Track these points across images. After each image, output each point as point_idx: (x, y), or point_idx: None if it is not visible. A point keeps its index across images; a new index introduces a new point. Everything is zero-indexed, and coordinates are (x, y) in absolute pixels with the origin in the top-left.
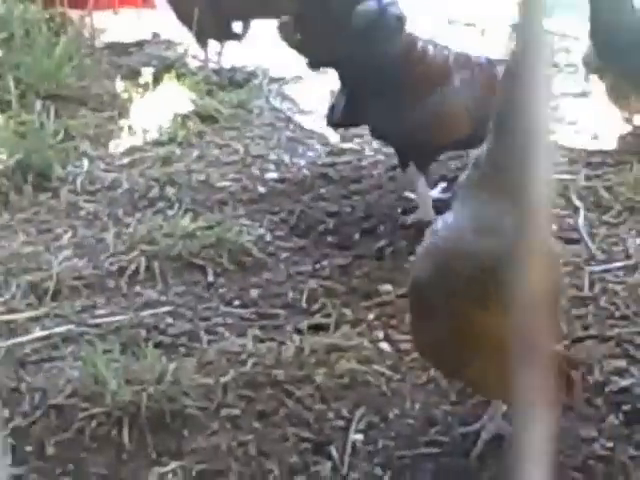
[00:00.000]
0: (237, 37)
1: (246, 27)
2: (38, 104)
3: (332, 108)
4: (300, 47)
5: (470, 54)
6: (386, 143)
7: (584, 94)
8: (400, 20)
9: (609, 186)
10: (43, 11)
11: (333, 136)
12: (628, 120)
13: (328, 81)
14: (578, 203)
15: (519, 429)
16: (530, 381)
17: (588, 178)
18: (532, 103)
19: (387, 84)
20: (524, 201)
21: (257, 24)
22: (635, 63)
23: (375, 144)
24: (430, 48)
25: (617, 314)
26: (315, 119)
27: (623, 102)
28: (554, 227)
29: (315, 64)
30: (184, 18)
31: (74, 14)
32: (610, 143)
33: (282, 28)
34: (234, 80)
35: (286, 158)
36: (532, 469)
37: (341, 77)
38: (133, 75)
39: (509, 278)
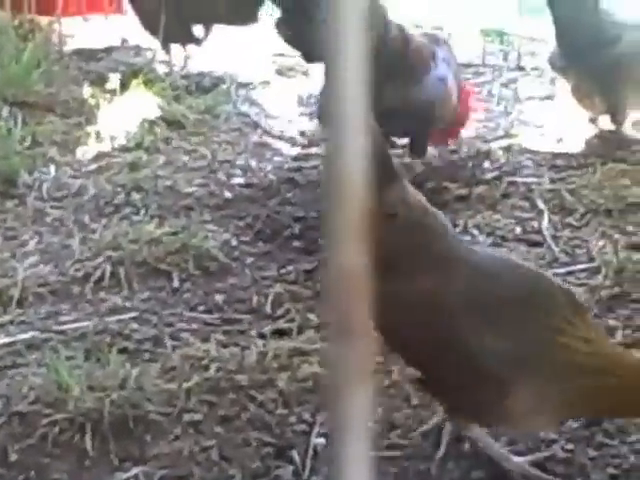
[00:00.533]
0: (198, 41)
1: (207, 31)
2: (5, 110)
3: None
4: (292, 42)
5: (431, 33)
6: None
7: (550, 97)
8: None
9: (573, 189)
10: (11, 17)
11: (300, 141)
12: (593, 120)
13: (295, 86)
14: (542, 206)
15: (338, 404)
16: (346, 358)
17: (552, 181)
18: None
19: (386, 69)
20: (336, 179)
21: (225, 30)
22: (598, 63)
23: None
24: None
25: None
26: (282, 124)
27: (587, 102)
28: (517, 230)
29: (308, 58)
30: (147, 23)
31: (42, 20)
32: (575, 146)
33: (278, 25)
34: (202, 85)
35: (253, 163)
36: (353, 442)
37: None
38: (101, 81)
39: (326, 260)
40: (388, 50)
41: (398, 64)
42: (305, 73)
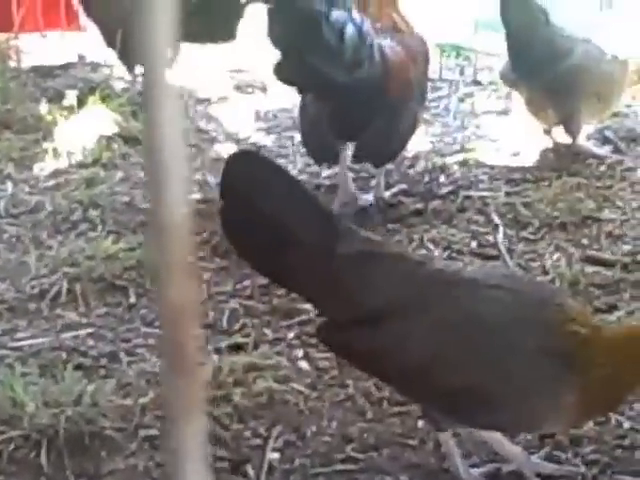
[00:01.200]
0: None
1: (176, 51)
2: None
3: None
4: (289, 82)
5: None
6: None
7: (505, 112)
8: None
9: (528, 202)
10: None
11: None
12: (547, 132)
13: (253, 102)
14: (497, 220)
15: (174, 433)
16: (179, 387)
17: (508, 195)
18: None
19: (366, 94)
20: (160, 220)
21: (183, 46)
22: (551, 76)
23: (300, 164)
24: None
25: None
26: (240, 140)
27: (541, 114)
28: (473, 244)
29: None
30: (111, 42)
31: (0, 36)
32: (530, 160)
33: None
34: None
35: (210, 179)
36: (188, 465)
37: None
38: (58, 98)
39: (156, 294)
40: (370, 76)
41: (377, 90)
42: (263, 89)
